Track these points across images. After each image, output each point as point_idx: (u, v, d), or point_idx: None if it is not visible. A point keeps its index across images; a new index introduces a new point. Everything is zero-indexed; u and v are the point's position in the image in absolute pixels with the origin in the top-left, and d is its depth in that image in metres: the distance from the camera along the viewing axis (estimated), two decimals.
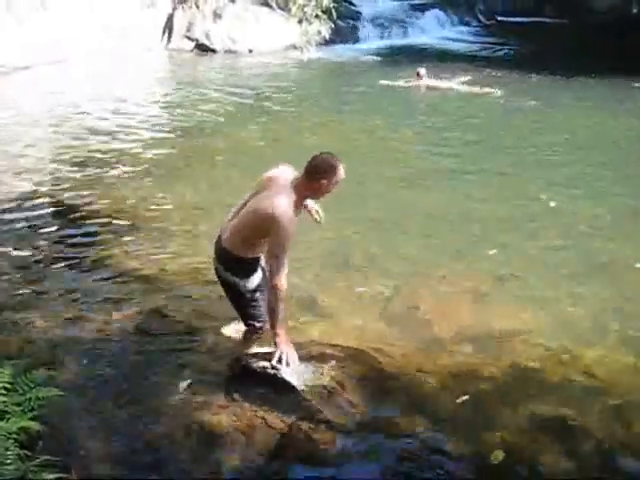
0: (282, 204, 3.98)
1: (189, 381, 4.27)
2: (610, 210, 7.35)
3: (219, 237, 4.37)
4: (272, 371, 4.15)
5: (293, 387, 4.11)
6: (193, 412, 4.01)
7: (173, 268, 5.81)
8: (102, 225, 6.66)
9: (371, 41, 17.92)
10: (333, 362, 4.34)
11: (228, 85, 13.03)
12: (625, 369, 4.66)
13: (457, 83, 12.82)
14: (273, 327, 4.18)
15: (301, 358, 4.22)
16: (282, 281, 4.02)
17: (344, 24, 16.78)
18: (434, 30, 19.36)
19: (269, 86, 12.88)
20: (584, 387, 4.45)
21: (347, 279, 5.65)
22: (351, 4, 19.03)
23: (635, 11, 20.64)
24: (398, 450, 3.86)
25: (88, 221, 6.76)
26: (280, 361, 4.13)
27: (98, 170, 8.24)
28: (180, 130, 10.06)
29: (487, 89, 12.52)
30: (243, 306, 4.46)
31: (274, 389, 4.11)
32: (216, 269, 4.45)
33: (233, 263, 4.29)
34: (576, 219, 7.15)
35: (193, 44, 16.24)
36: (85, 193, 7.47)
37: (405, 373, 4.50)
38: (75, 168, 8.31)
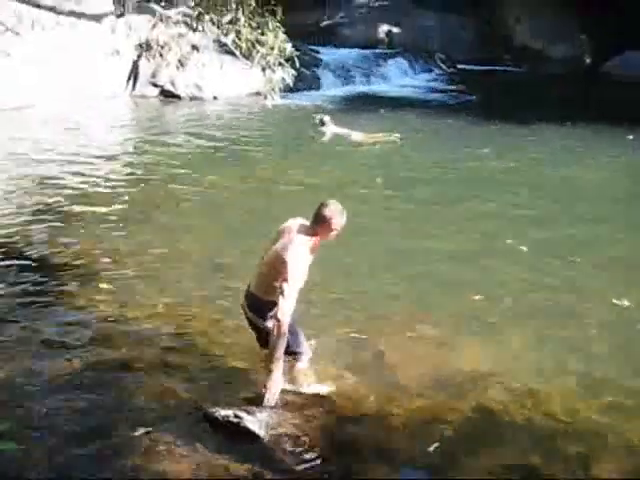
0: (295, 246, 4.47)
1: (152, 424, 4.19)
2: (580, 254, 7.42)
3: (248, 286, 4.78)
4: (235, 419, 4.12)
5: (256, 436, 4.08)
6: (155, 462, 3.94)
7: (133, 315, 5.74)
8: (61, 272, 6.54)
9: (334, 88, 18.21)
10: (296, 409, 4.31)
11: (193, 132, 13.05)
12: (588, 412, 4.69)
13: (357, 131, 12.57)
14: (270, 362, 4.37)
15: (265, 406, 4.19)
16: (286, 317, 4.33)
17: (308, 72, 17.03)
18: (397, 78, 19.75)
19: (233, 134, 12.93)
20: (547, 431, 4.46)
21: (310, 326, 5.62)
22: (315, 52, 19.38)
23: (588, 61, 21.35)
24: None
25: (46, 269, 6.61)
26: (268, 403, 4.32)
27: (59, 217, 8.13)
28: (144, 177, 10.02)
29: (388, 137, 12.30)
30: None
31: (237, 438, 4.07)
32: (246, 315, 4.79)
33: (261, 307, 4.62)
34: (546, 262, 7.22)
35: (158, 90, 16.33)
36: (45, 240, 7.37)
37: (370, 420, 4.48)
38: (35, 215, 8.18)
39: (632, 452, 4.27)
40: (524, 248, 7.53)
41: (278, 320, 4.33)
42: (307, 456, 4.06)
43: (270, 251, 4.63)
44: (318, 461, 4.04)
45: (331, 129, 12.68)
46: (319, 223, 4.56)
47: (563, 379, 5.06)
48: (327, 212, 4.55)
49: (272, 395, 4.36)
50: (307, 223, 4.64)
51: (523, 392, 4.85)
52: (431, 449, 4.18)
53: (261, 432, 4.08)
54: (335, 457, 4.11)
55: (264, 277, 4.61)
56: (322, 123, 12.67)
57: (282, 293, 4.34)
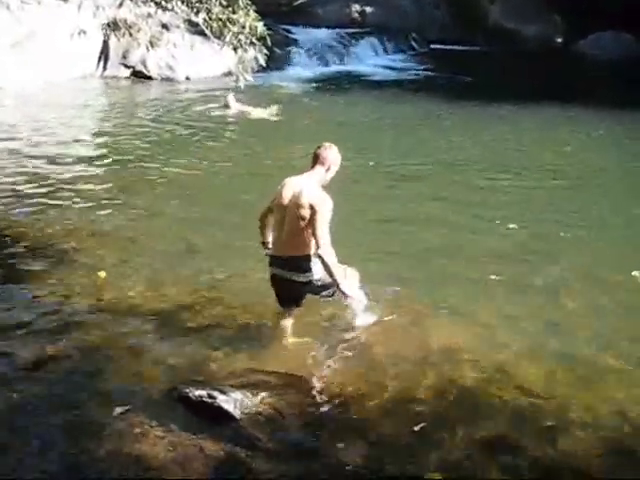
0: (314, 188, 4.85)
1: (127, 407, 4.20)
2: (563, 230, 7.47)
3: (273, 257, 5.03)
4: (209, 399, 4.13)
5: (230, 415, 4.09)
6: (129, 444, 3.95)
7: (107, 298, 5.72)
8: (32, 256, 6.48)
9: (307, 68, 18.12)
10: (271, 389, 4.33)
11: (164, 114, 12.95)
12: (557, 387, 4.77)
13: (255, 108, 13.06)
14: (335, 282, 4.83)
15: (238, 385, 4.20)
16: (325, 245, 4.71)
17: (280, 51, 16.90)
18: (369, 57, 19.71)
19: (204, 115, 12.89)
20: (518, 406, 4.53)
21: None
22: (288, 32, 19.25)
23: (560, 40, 21.47)
24: (337, 475, 3.85)
25: (15, 253, 6.57)
26: (356, 305, 5.16)
27: (28, 200, 8.03)
28: (116, 159, 9.91)
29: (276, 112, 12.83)
30: (318, 292, 5.07)
31: (211, 417, 4.08)
32: (281, 278, 5.01)
33: (298, 262, 4.90)
34: (525, 239, 7.27)
35: (129, 71, 16.13)
36: (15, 223, 7.29)
37: (345, 399, 4.51)
38: (4, 198, 8.09)
39: (599, 426, 4.34)
40: (514, 226, 7.55)
41: (321, 254, 4.70)
42: (281, 436, 4.08)
43: (286, 210, 4.86)
44: (292, 441, 4.07)
45: (235, 107, 13.04)
46: (319, 163, 4.91)
47: (533, 356, 5.13)
48: (324, 152, 4.91)
49: (356, 298, 5.06)
50: (304, 172, 4.95)
51: (493, 369, 4.90)
52: (417, 429, 4.20)
53: (235, 411, 4.10)
54: (310, 437, 4.13)
55: (293, 234, 4.84)
56: (226, 105, 13.05)
57: (317, 227, 4.69)
